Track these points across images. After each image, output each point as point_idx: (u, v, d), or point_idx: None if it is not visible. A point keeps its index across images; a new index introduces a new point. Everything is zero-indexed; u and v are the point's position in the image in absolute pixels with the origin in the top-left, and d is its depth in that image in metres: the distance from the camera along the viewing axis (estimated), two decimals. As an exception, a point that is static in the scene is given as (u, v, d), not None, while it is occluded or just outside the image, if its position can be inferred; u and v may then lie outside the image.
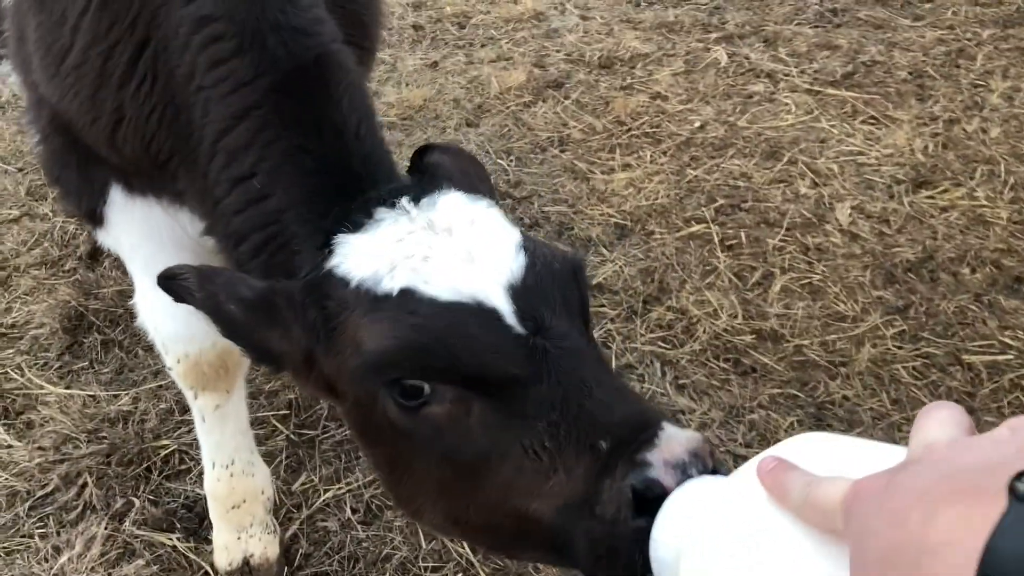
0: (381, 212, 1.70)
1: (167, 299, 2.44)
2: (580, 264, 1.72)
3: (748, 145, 4.65)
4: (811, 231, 4.09)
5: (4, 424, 3.39)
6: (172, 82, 1.94)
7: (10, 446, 3.29)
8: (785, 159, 4.52)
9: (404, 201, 1.71)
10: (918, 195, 4.27)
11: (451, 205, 1.71)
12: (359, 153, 1.87)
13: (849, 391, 3.36)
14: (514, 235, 1.68)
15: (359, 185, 1.81)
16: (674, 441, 1.39)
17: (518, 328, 1.52)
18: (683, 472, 1.35)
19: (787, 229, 4.10)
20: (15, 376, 3.59)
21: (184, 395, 2.71)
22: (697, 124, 4.85)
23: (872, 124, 4.78)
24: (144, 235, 2.38)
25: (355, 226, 1.70)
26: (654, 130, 4.86)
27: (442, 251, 1.60)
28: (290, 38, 1.87)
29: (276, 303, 1.72)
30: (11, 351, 3.73)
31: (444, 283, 1.55)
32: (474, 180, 1.94)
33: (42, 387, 3.52)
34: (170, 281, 1.77)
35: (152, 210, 2.31)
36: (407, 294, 1.56)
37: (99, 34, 2.01)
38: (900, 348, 3.52)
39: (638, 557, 1.33)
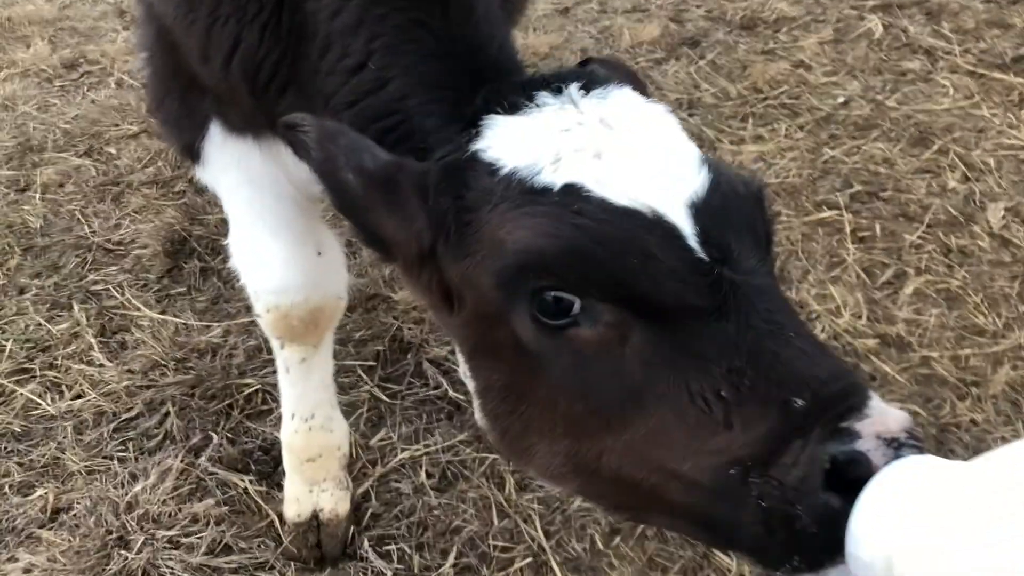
0: (544, 97, 1.46)
1: (262, 246, 2.37)
2: (763, 190, 1.48)
3: (895, 128, 4.25)
4: (956, 231, 3.72)
5: (100, 342, 3.42)
6: None
7: (102, 365, 3.31)
8: (935, 147, 4.11)
9: (572, 89, 1.46)
10: (1085, 202, 3.83)
11: (626, 102, 1.47)
12: (489, 35, 1.64)
13: (979, 415, 3.04)
14: (694, 147, 1.45)
15: (497, 74, 1.59)
16: (888, 414, 1.15)
17: (701, 253, 1.30)
18: (896, 453, 1.11)
19: (928, 226, 3.73)
20: (116, 294, 3.62)
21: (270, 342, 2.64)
22: (841, 100, 4.47)
23: (1040, 116, 4.31)
24: (242, 178, 2.28)
25: (511, 108, 1.47)
26: (792, 102, 4.51)
27: (618, 151, 1.36)
28: None
29: (400, 183, 1.50)
30: (115, 268, 3.76)
31: (619, 186, 1.32)
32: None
33: (139, 309, 3.53)
34: (289, 131, 1.56)
35: (251, 153, 2.19)
36: (573, 191, 1.32)
37: None
38: (1044, 373, 3.16)
39: (824, 538, 1.11)
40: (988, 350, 3.25)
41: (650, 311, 1.28)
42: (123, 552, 2.69)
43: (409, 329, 3.37)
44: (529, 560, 2.69)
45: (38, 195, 4.15)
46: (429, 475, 2.95)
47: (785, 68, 4.70)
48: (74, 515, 2.83)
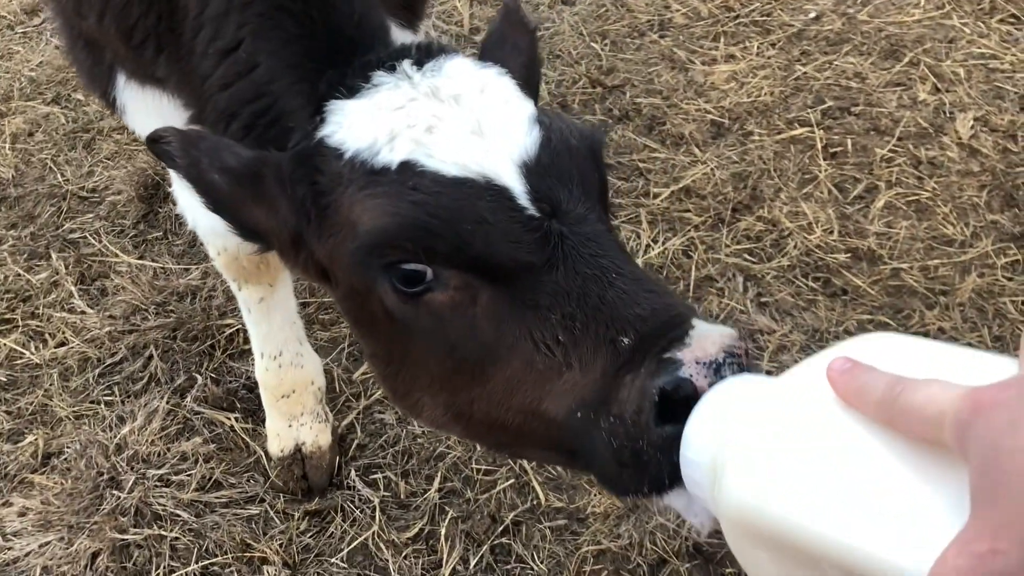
0: (380, 76, 1.54)
1: None
2: (599, 140, 1.55)
3: (866, 42, 4.24)
4: (926, 142, 3.74)
5: (80, 289, 3.44)
6: None
7: (83, 312, 3.34)
8: (906, 59, 4.11)
9: (406, 65, 1.54)
10: (1054, 108, 3.84)
11: (458, 71, 1.54)
12: (349, 13, 1.69)
13: (947, 323, 3.10)
14: (528, 107, 1.52)
15: (353, 49, 1.64)
16: (707, 338, 1.24)
17: (531, 210, 1.38)
18: (716, 372, 1.20)
19: (899, 139, 3.75)
20: (93, 242, 3.62)
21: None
22: (812, 15, 4.43)
23: (1011, 24, 4.29)
24: (160, 125, 2.25)
25: (350, 91, 1.55)
26: (764, 18, 4.47)
27: (448, 122, 1.44)
28: None
29: (263, 175, 1.58)
30: (90, 215, 3.76)
31: (450, 157, 1.40)
32: (509, 49, 1.75)
33: (116, 255, 3.55)
34: (155, 144, 1.61)
35: (161, 100, 2.12)
36: (408, 168, 1.41)
37: None
38: (1010, 280, 3.22)
39: (665, 465, 1.19)
40: (956, 259, 3.30)
41: (491, 271, 1.37)
42: (115, 492, 2.76)
43: (386, 263, 3.40)
44: (512, 481, 2.78)
45: (8, 145, 4.12)
46: (412, 405, 3.00)
47: (756, -15, 4.65)
48: (65, 459, 2.89)
